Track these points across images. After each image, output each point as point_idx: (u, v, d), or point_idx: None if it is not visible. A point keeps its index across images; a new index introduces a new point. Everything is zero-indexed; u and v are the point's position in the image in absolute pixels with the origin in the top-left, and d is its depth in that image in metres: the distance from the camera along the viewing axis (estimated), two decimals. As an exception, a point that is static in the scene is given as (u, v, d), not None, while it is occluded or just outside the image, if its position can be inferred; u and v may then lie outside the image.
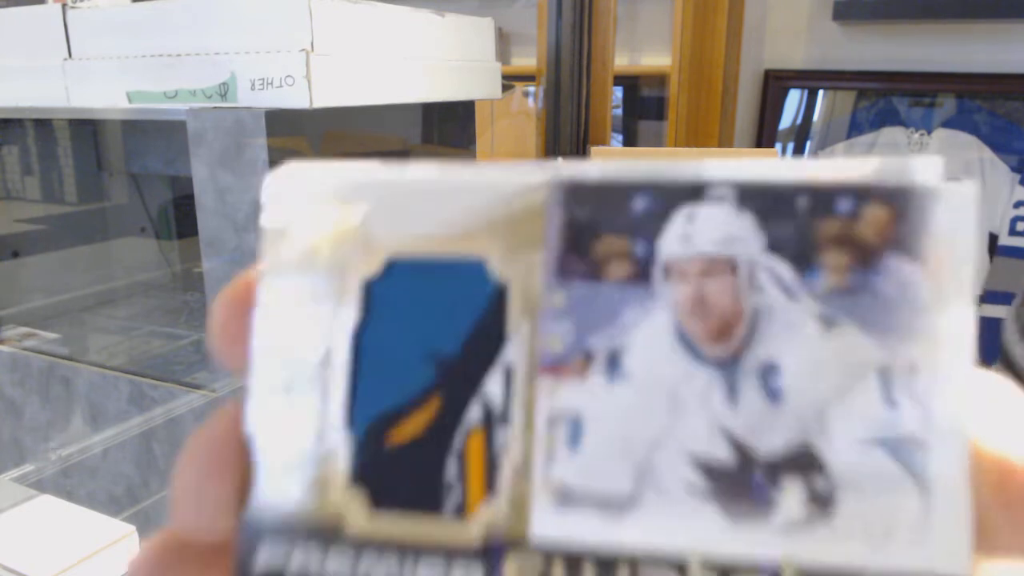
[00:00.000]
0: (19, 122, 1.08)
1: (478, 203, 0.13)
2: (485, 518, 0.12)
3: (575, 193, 0.13)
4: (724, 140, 1.29)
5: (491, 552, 0.12)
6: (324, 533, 0.13)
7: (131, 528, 0.60)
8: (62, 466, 0.86)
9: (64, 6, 0.85)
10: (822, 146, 1.36)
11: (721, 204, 0.12)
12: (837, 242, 0.12)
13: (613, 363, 0.12)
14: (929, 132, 1.29)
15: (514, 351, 0.13)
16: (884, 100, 1.31)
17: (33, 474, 0.82)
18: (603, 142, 1.28)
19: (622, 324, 0.12)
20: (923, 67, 1.26)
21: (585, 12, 1.21)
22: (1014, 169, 1.24)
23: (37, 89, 0.88)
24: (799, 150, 1.38)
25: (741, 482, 0.12)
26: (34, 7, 0.88)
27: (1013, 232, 1.24)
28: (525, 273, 0.13)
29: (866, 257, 0.12)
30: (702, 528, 0.12)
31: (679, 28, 1.25)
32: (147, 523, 0.83)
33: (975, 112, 1.26)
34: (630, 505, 0.12)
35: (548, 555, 0.12)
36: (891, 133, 1.31)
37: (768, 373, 0.12)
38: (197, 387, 0.87)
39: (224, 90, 0.78)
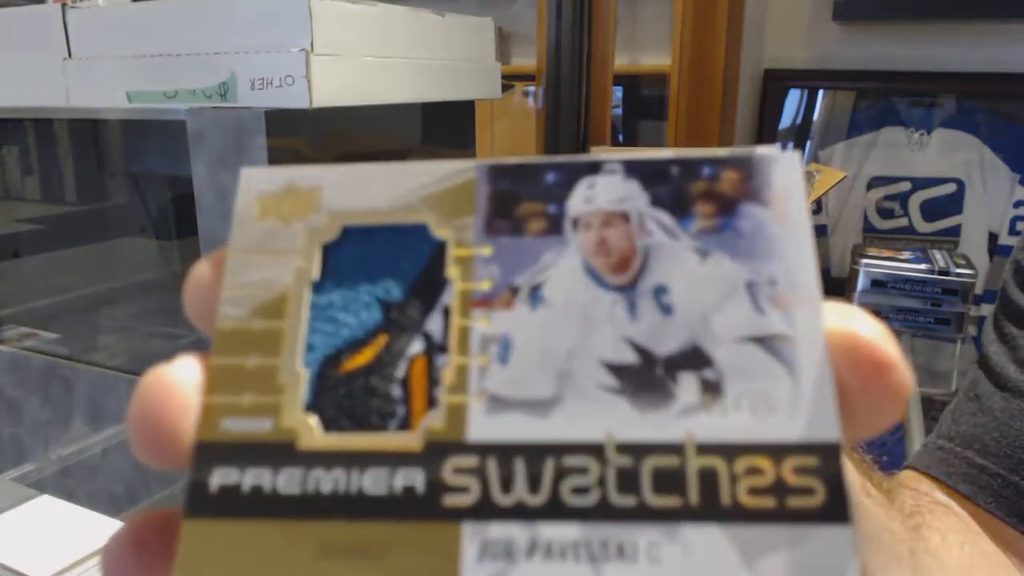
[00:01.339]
0: (19, 122, 1.07)
1: (418, 183, 0.16)
2: (426, 427, 0.14)
3: (498, 172, 0.16)
4: (724, 140, 1.29)
5: (431, 455, 0.14)
6: (277, 453, 0.14)
7: (131, 528, 0.59)
8: (62, 466, 0.86)
9: (64, 6, 0.85)
10: (822, 146, 1.36)
11: (613, 175, 0.15)
12: (704, 196, 0.15)
13: (535, 294, 0.15)
14: (929, 132, 1.29)
15: (450, 293, 0.15)
16: (884, 100, 1.31)
17: (33, 474, 0.82)
18: (603, 142, 1.28)
19: (541, 265, 0.15)
20: (923, 67, 1.26)
21: (585, 12, 1.21)
22: (1014, 169, 1.24)
23: (37, 89, 0.88)
24: (799, 150, 1.37)
25: (645, 378, 0.14)
26: (34, 6, 0.88)
27: (1013, 232, 1.24)
28: (459, 233, 0.15)
29: (727, 206, 0.15)
30: (615, 419, 0.14)
31: (679, 28, 1.25)
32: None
33: (975, 112, 1.26)
34: (553, 405, 0.14)
35: (483, 453, 0.14)
36: (891, 133, 1.31)
37: (660, 293, 0.15)
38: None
39: (224, 90, 0.78)
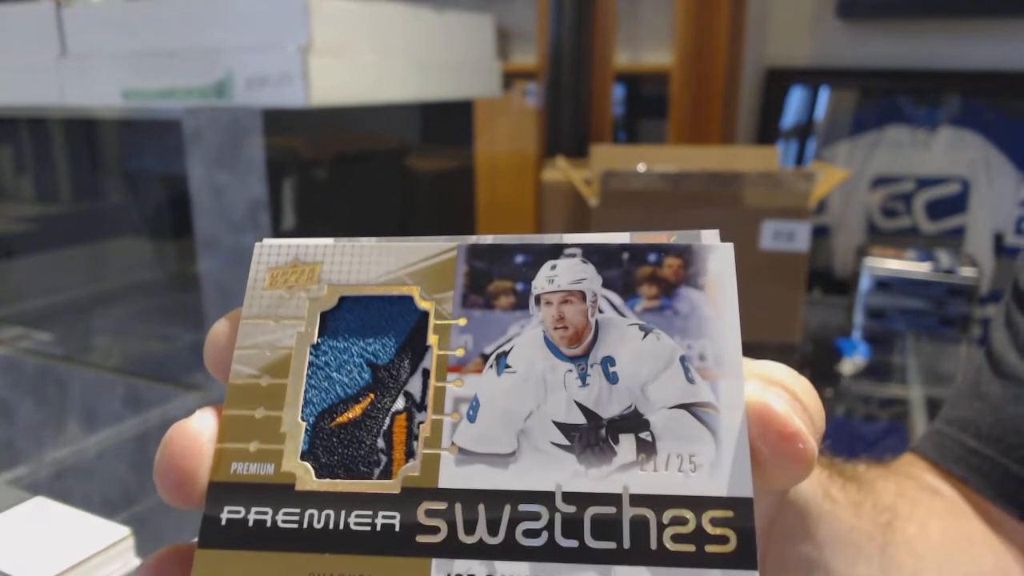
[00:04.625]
0: (12, 121, 1.07)
1: (406, 260, 0.18)
2: (404, 475, 0.17)
3: (475, 252, 0.18)
4: (726, 138, 1.28)
5: (408, 499, 0.16)
6: (277, 494, 0.17)
7: (126, 530, 0.59)
8: (56, 468, 0.85)
9: (58, 3, 0.84)
10: (825, 144, 1.35)
11: (573, 258, 0.18)
12: (649, 279, 0.18)
13: (501, 361, 0.17)
14: (934, 131, 1.28)
15: (430, 357, 0.18)
16: (888, 98, 1.30)
17: (27, 476, 0.81)
18: (604, 141, 1.27)
19: (508, 336, 0.17)
20: (927, 65, 1.25)
21: (586, 9, 1.20)
22: (1020, 168, 1.23)
23: (31, 87, 0.88)
24: (801, 148, 1.37)
25: (591, 438, 0.16)
26: (28, 4, 0.87)
27: (1019, 232, 1.23)
28: (440, 305, 0.18)
29: (668, 288, 0.18)
30: (564, 472, 0.16)
31: (681, 25, 1.24)
32: (142, 525, 0.82)
33: (980, 111, 1.25)
34: (512, 459, 0.16)
35: (451, 499, 0.16)
36: (895, 132, 1.30)
37: (607, 364, 0.17)
38: (192, 388, 0.86)
39: (221, 88, 0.77)
